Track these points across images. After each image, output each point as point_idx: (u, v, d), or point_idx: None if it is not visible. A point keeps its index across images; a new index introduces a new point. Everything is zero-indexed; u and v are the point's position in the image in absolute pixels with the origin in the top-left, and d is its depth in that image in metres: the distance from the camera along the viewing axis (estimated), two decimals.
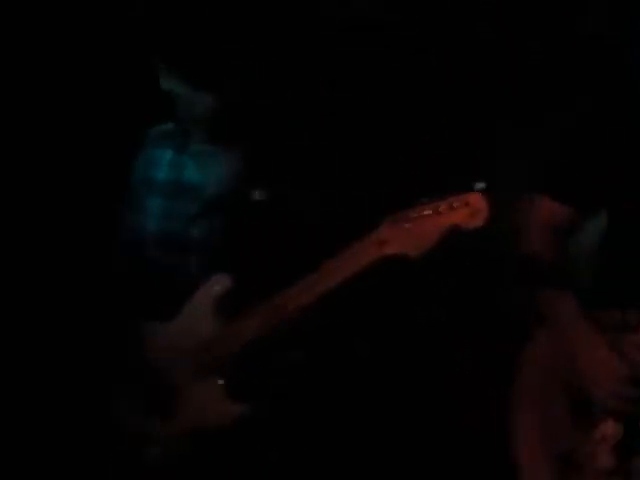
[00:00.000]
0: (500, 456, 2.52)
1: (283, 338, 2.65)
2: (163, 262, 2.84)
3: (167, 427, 2.74)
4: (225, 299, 2.73)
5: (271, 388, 2.73)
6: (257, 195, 2.77)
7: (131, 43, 3.04)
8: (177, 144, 2.85)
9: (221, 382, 2.69)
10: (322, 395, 2.80)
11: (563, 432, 2.44)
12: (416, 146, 2.99)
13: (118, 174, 2.93)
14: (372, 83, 3.06)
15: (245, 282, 2.73)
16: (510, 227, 2.57)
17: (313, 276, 2.57)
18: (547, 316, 2.50)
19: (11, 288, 3.06)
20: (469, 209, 2.40)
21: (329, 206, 2.77)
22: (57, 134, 3.18)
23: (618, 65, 2.80)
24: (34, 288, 3.07)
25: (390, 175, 2.89)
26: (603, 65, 2.97)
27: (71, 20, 3.15)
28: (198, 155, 2.82)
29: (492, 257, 2.86)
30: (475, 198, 2.40)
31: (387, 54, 3.12)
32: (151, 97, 2.87)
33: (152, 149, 2.91)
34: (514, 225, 2.57)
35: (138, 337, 2.82)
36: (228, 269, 2.74)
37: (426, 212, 2.45)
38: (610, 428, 2.38)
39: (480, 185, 2.41)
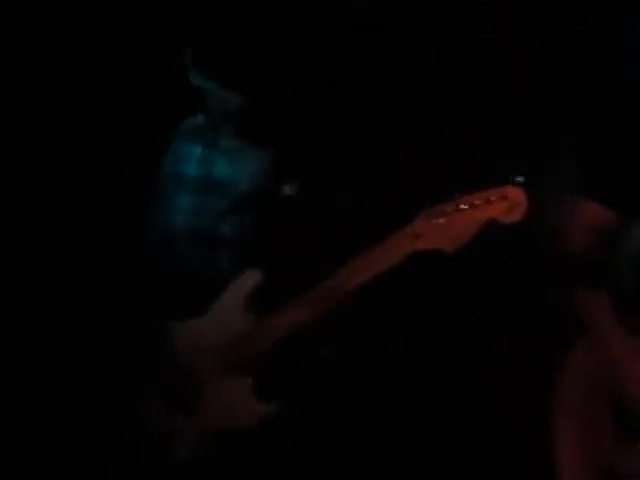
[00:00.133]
0: (537, 460, 2.47)
1: (314, 334, 2.61)
2: (192, 259, 2.81)
3: (193, 426, 2.71)
4: (256, 296, 2.69)
5: (300, 386, 2.69)
6: (287, 190, 2.73)
7: (160, 37, 3.01)
8: (207, 140, 2.82)
9: (249, 381, 2.64)
10: (353, 392, 2.75)
11: (605, 445, 2.39)
12: (451, 140, 2.94)
13: (144, 170, 2.90)
14: (403, 77, 3.02)
15: (275, 279, 2.69)
16: (551, 226, 2.52)
17: (344, 271, 2.52)
18: (585, 320, 2.46)
19: (35, 286, 3.03)
20: (507, 203, 2.34)
21: (361, 201, 2.73)
22: (83, 128, 3.15)
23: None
24: (57, 285, 3.04)
25: (424, 169, 2.84)
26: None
27: (99, 11, 3.13)
28: (228, 151, 2.79)
29: (530, 254, 2.80)
30: (514, 191, 2.34)
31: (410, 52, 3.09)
32: (180, 91, 2.85)
33: (181, 144, 2.87)
34: (555, 224, 2.52)
35: (165, 335, 2.79)
36: (259, 265, 2.70)
37: (462, 206, 2.40)
38: None
39: (518, 179, 2.35)
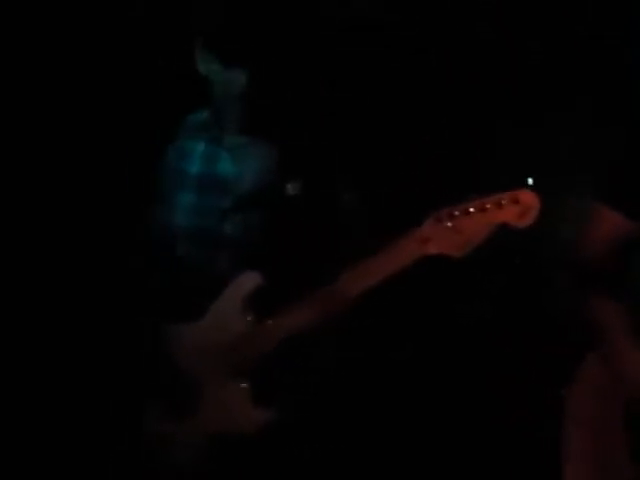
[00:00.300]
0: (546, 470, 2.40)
1: (316, 338, 2.54)
2: (193, 258, 2.74)
3: (191, 430, 2.63)
4: (255, 297, 2.61)
5: (301, 391, 2.62)
6: (291, 190, 2.66)
7: (167, 27, 2.97)
8: (211, 136, 2.75)
9: (245, 385, 2.57)
10: (356, 399, 2.68)
11: (617, 458, 2.31)
12: (460, 141, 2.88)
13: (146, 167, 2.83)
14: (410, 77, 2.97)
15: (278, 280, 2.61)
16: (566, 232, 2.46)
17: (350, 275, 2.45)
18: (598, 328, 2.39)
19: (33, 288, 2.98)
20: (519, 207, 2.26)
21: (366, 202, 2.66)
22: (85, 124, 3.10)
23: None
24: (55, 287, 2.99)
25: (432, 170, 2.78)
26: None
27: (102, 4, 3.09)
28: (233, 148, 2.73)
29: (543, 259, 2.75)
30: (526, 195, 2.26)
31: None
32: (184, 88, 2.79)
33: (184, 141, 2.81)
34: (572, 230, 2.47)
35: (162, 337, 2.72)
36: (259, 266, 2.63)
37: (471, 209, 2.32)
38: None
39: (529, 181, 2.27)
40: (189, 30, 2.65)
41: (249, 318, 2.61)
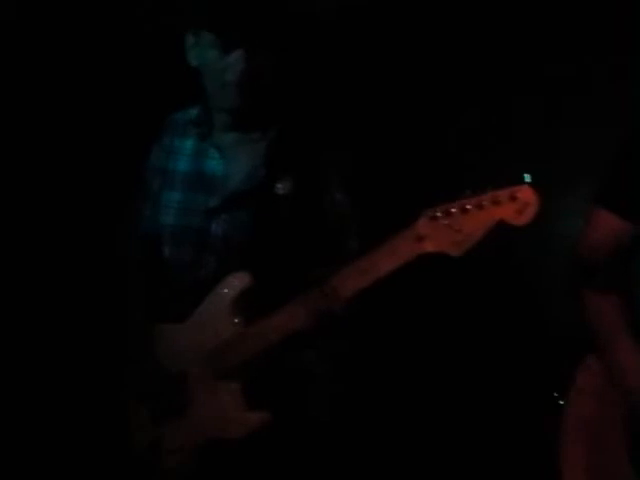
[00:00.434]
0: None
1: (308, 340, 2.48)
2: (179, 259, 2.67)
3: (180, 435, 2.57)
4: (244, 298, 2.55)
5: (293, 394, 2.57)
6: (281, 189, 2.60)
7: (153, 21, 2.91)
8: (200, 132, 2.68)
9: (237, 387, 2.51)
10: (352, 400, 2.63)
11: (616, 464, 2.28)
12: (455, 136, 2.84)
13: (131, 163, 2.77)
14: (403, 69, 2.93)
15: (266, 281, 2.56)
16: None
17: (343, 275, 2.40)
18: (594, 326, 2.37)
19: (19, 284, 2.91)
20: (517, 204, 2.21)
21: (358, 201, 2.61)
22: (71, 123, 3.04)
23: None
24: (41, 285, 2.92)
25: (424, 168, 2.73)
26: None
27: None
28: (222, 145, 2.66)
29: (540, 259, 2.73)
30: (524, 191, 2.21)
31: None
32: (169, 86, 2.73)
33: (172, 139, 2.75)
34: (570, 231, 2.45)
35: (149, 339, 2.65)
36: (248, 267, 2.57)
37: (468, 207, 2.27)
38: None
39: (526, 177, 2.23)
40: (177, 22, 2.58)
41: (237, 320, 2.55)
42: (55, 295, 2.91)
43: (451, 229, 2.28)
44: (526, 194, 2.21)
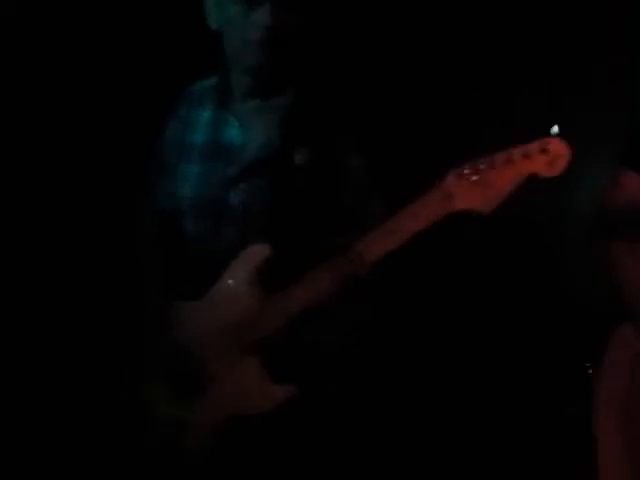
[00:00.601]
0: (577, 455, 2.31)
1: (331, 312, 2.42)
2: (199, 231, 2.61)
3: (202, 412, 2.50)
4: (264, 270, 2.49)
5: (316, 368, 2.50)
6: (299, 159, 2.54)
7: None
8: (218, 101, 2.63)
9: (259, 361, 2.44)
10: (377, 376, 2.57)
11: None
12: (479, 92, 2.80)
13: (147, 138, 2.71)
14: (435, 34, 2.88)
15: (286, 251, 2.50)
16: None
17: (370, 237, 2.34)
18: (627, 295, 2.32)
19: (32, 268, 2.85)
20: (548, 156, 2.18)
21: (378, 167, 2.55)
22: (84, 99, 2.98)
23: None
24: (55, 269, 2.86)
25: (447, 127, 2.68)
26: None
27: None
28: (240, 113, 2.61)
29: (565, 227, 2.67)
30: (554, 143, 2.18)
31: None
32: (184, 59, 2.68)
33: (189, 110, 2.70)
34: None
35: (168, 316, 2.58)
36: (267, 237, 2.51)
37: (497, 162, 2.23)
38: None
39: (554, 129, 2.19)
40: None
41: (259, 292, 2.49)
42: (71, 276, 2.85)
43: (480, 185, 2.24)
44: (557, 146, 2.18)
